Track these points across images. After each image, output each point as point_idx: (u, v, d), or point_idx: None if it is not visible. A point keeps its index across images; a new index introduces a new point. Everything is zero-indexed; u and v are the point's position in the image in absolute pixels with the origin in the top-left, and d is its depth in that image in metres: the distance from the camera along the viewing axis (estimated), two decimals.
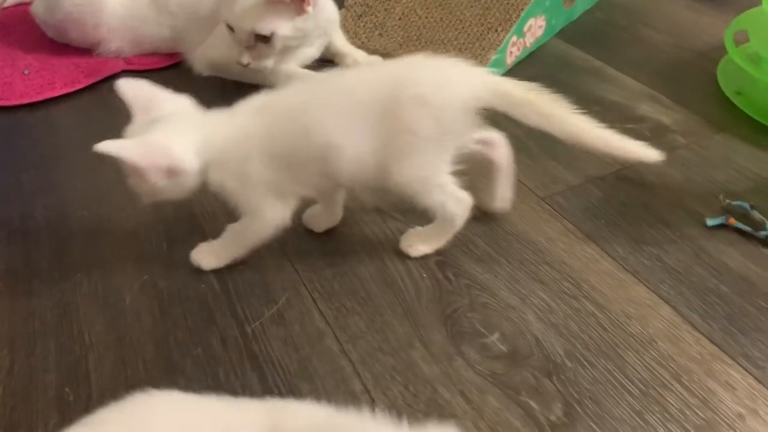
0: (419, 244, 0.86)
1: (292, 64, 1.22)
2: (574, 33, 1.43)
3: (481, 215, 0.92)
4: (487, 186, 0.90)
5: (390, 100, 0.75)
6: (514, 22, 1.24)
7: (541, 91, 0.80)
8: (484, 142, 0.87)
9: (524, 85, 0.79)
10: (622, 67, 1.29)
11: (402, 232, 0.90)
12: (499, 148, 0.88)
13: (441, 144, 0.77)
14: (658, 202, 0.94)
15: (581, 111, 1.13)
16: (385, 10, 1.37)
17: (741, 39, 1.17)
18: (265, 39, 1.11)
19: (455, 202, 0.81)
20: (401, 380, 0.71)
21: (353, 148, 0.76)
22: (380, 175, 0.78)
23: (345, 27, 1.36)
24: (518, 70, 1.29)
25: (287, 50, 1.16)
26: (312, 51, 1.23)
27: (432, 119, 0.75)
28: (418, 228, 0.87)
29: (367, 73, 0.84)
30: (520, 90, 0.78)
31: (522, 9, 1.25)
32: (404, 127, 0.75)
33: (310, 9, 1.10)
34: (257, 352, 0.75)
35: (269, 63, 1.15)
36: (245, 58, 1.13)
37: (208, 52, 1.26)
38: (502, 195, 0.91)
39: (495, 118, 0.80)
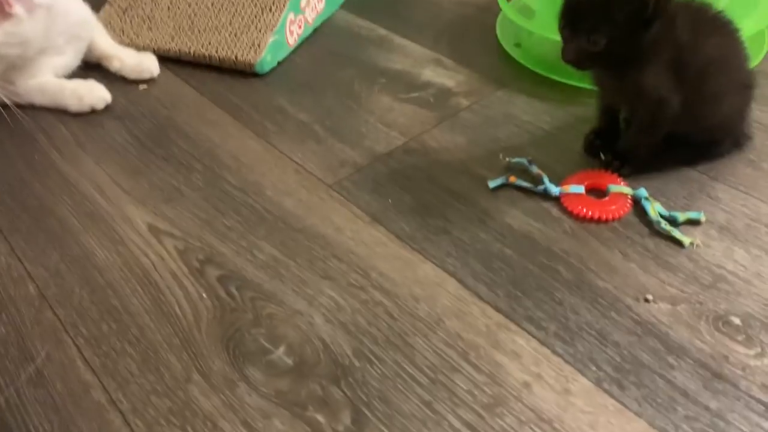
0: None
1: (47, 76, 1.08)
2: (359, 1, 1.38)
3: (268, 215, 0.87)
4: None
5: None
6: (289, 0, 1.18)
7: None
8: None
9: None
10: (407, 32, 1.26)
11: (180, 251, 0.82)
12: None
13: None
14: (443, 172, 0.92)
15: (367, 85, 1.12)
16: (152, 1, 1.25)
17: None
18: None
19: None
20: (178, 422, 0.64)
21: None
22: None
23: (109, 24, 1.24)
24: (303, 49, 1.23)
25: (17, 61, 1.03)
26: (67, 59, 1.10)
27: None
28: None
29: None
30: None
31: None
32: None
33: (16, 11, 0.96)
34: (12, 423, 0.65)
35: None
36: None
37: None
38: None
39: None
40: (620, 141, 0.88)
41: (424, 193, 0.89)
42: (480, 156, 0.95)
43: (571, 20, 0.77)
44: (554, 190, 0.86)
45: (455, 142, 0.98)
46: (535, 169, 0.89)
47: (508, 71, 1.12)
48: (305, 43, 1.25)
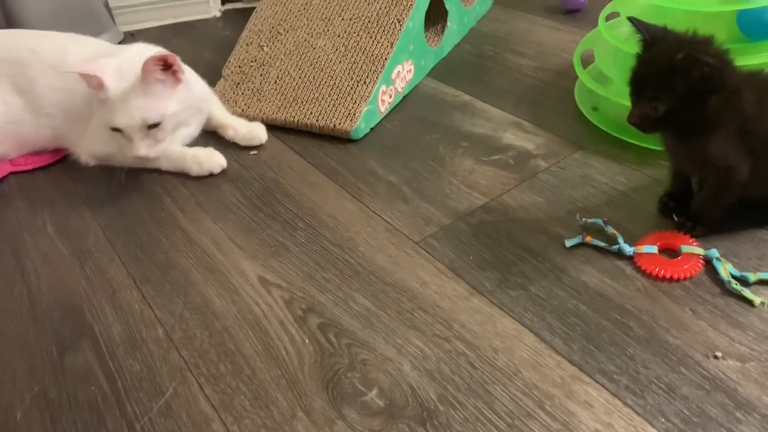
0: None
1: (175, 144, 1.25)
2: (445, 70, 1.50)
3: (361, 269, 0.97)
4: None
5: None
6: (380, 72, 1.30)
7: None
8: None
9: None
10: (489, 98, 1.36)
11: (286, 300, 0.93)
12: None
13: None
14: (521, 230, 1.00)
15: (451, 148, 1.21)
16: (261, 75, 1.41)
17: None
18: (155, 124, 1.14)
19: None
20: None
21: None
22: None
23: (224, 96, 1.40)
24: (392, 115, 1.35)
25: (177, 126, 1.20)
26: (191, 130, 1.27)
27: None
28: None
29: None
30: None
31: (386, 59, 1.31)
32: None
33: (183, 77, 1.15)
34: None
35: (165, 146, 1.18)
36: (142, 150, 1.14)
37: (92, 146, 1.27)
38: None
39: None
40: (693, 203, 0.93)
41: (503, 251, 0.97)
42: (557, 216, 1.02)
43: (636, 86, 0.84)
44: (628, 249, 0.91)
45: (534, 202, 1.05)
46: (610, 230, 0.95)
47: (586, 134, 1.19)
48: (395, 109, 1.37)
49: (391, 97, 1.35)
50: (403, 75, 1.37)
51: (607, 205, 1.02)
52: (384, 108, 1.33)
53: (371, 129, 1.30)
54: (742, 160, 0.84)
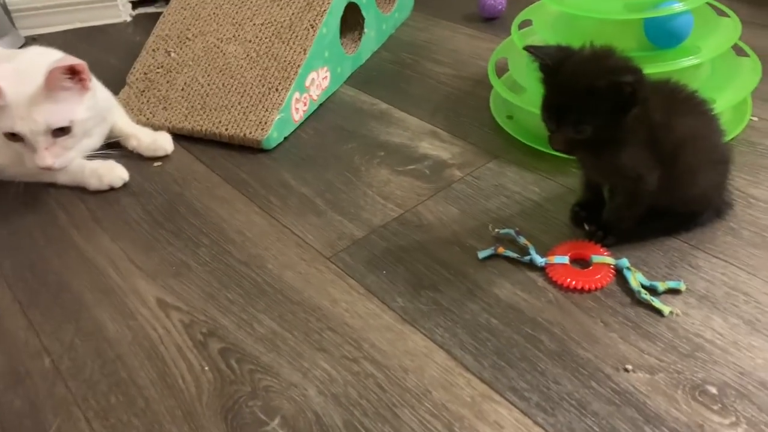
0: None
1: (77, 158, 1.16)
2: (363, 77, 1.46)
3: (269, 288, 0.92)
4: None
5: None
6: (293, 79, 1.25)
7: None
8: None
9: None
10: (406, 106, 1.33)
11: (186, 324, 0.87)
12: None
13: None
14: (435, 243, 0.97)
15: (367, 158, 1.18)
16: (168, 82, 1.34)
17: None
18: (62, 131, 1.06)
19: None
20: None
21: None
22: None
23: (128, 105, 1.33)
24: (308, 124, 1.30)
25: (85, 134, 1.12)
26: (92, 141, 1.18)
27: None
28: None
29: None
30: None
31: (299, 65, 1.27)
32: None
33: (91, 84, 1.08)
34: None
35: (73, 155, 1.10)
36: (47, 160, 1.05)
37: None
38: None
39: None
40: (604, 213, 0.93)
41: (417, 265, 0.94)
42: (471, 227, 0.99)
43: (556, 113, 0.81)
44: (540, 260, 0.90)
45: (448, 213, 1.03)
46: (522, 240, 0.94)
47: (501, 143, 1.18)
48: (310, 118, 1.32)
49: (305, 105, 1.30)
50: (318, 82, 1.33)
51: (520, 215, 1.01)
52: (298, 116, 1.28)
53: (284, 138, 1.25)
54: (652, 170, 0.84)
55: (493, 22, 1.66)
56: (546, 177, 1.08)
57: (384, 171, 1.15)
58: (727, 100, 1.07)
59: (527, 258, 0.91)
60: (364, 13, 1.47)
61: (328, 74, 1.36)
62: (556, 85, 0.81)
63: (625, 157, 0.83)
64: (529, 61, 1.09)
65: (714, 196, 0.92)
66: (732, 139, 1.09)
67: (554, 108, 0.81)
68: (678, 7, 1.00)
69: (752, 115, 1.15)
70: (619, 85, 0.75)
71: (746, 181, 1.01)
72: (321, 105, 1.36)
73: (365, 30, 1.50)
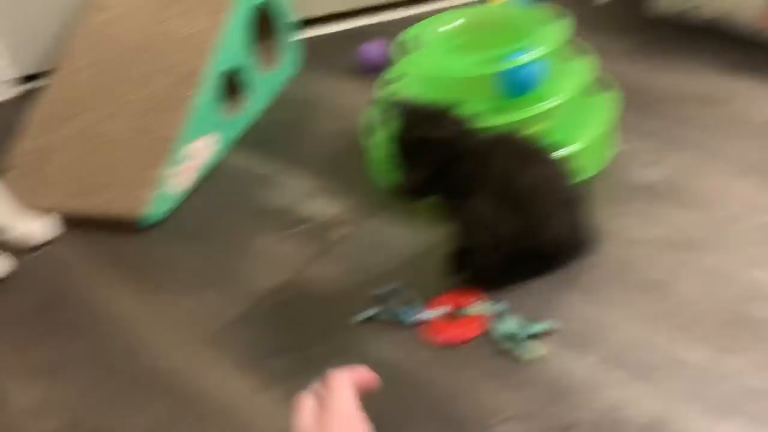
0: None
1: None
2: (249, 139, 1.47)
3: (149, 377, 0.90)
4: None
5: None
6: (171, 152, 1.25)
7: None
8: None
9: None
10: (293, 166, 1.34)
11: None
12: None
13: None
14: (317, 308, 0.98)
15: (252, 225, 1.18)
16: (47, 164, 1.32)
17: None
18: None
19: None
20: None
21: None
22: None
23: (7, 190, 1.28)
24: (190, 196, 1.29)
25: None
26: None
27: None
28: None
29: None
30: None
31: (176, 138, 1.26)
32: None
33: None
34: None
35: None
36: None
37: None
38: None
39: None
40: (474, 260, 0.95)
41: (298, 334, 0.94)
42: (352, 287, 1.00)
43: (398, 160, 0.90)
44: (416, 317, 0.92)
45: (329, 276, 1.04)
46: (400, 298, 0.95)
47: (383, 197, 1.20)
48: (194, 188, 1.31)
49: (187, 176, 1.29)
50: (200, 152, 1.33)
51: (402, 269, 1.03)
52: (180, 189, 1.27)
53: (167, 213, 1.24)
54: (500, 218, 0.89)
55: (378, 73, 1.70)
56: (427, 229, 1.09)
57: (268, 237, 1.15)
58: (588, 137, 1.12)
59: (405, 317, 0.92)
60: (246, 76, 1.49)
61: (211, 142, 1.36)
62: (398, 138, 0.89)
63: (472, 208, 0.89)
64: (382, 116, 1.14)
65: (574, 235, 0.96)
66: (597, 173, 1.15)
67: (395, 156, 0.89)
68: (525, 58, 1.05)
69: (616, 147, 1.21)
70: (444, 139, 0.83)
71: (609, 214, 1.06)
72: (205, 174, 1.35)
73: (249, 93, 1.51)
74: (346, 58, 1.78)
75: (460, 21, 1.23)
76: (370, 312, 0.94)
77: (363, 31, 1.95)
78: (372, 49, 1.69)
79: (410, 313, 0.92)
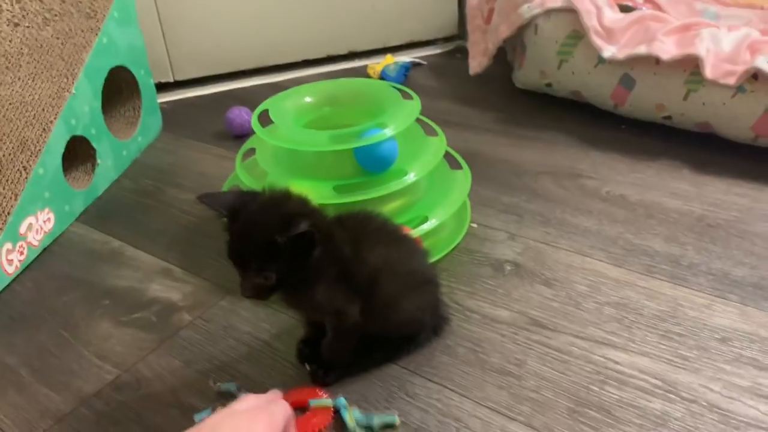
0: None
1: None
2: (97, 211, 1.37)
3: None
4: None
5: None
6: (2, 229, 1.13)
7: None
8: None
9: None
10: (141, 242, 1.25)
11: None
12: None
13: None
14: (153, 407, 0.89)
15: (89, 310, 1.08)
16: None
17: None
18: None
19: None
20: None
21: None
22: None
23: None
24: (25, 274, 1.17)
25: None
26: None
27: None
28: None
29: None
30: None
31: (9, 213, 1.15)
32: None
33: None
34: None
35: None
36: None
37: None
38: None
39: None
40: (320, 349, 0.91)
41: None
42: (194, 381, 0.93)
43: (239, 261, 0.79)
44: None
45: (171, 368, 0.95)
46: (242, 395, 0.88)
47: (235, 276, 1.14)
48: (30, 267, 1.19)
49: (22, 254, 1.18)
50: (37, 227, 1.21)
51: (248, 358, 0.96)
52: (12, 269, 1.15)
53: None
54: (350, 303, 0.84)
55: (243, 139, 1.66)
56: (277, 310, 1.05)
57: (106, 324, 1.05)
58: (443, 213, 1.12)
59: None
60: (94, 144, 1.39)
61: (51, 215, 1.25)
62: (236, 233, 0.79)
63: (320, 294, 0.82)
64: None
65: (426, 317, 0.94)
66: (453, 248, 1.15)
67: (237, 256, 0.79)
68: (379, 135, 1.04)
69: (472, 222, 1.22)
70: (295, 236, 0.75)
71: (464, 292, 1.05)
72: (45, 250, 1.24)
73: (98, 161, 1.41)
74: (212, 123, 1.73)
75: (319, 93, 1.22)
76: (210, 411, 0.86)
77: (233, 95, 1.92)
78: (240, 114, 1.65)
79: None
